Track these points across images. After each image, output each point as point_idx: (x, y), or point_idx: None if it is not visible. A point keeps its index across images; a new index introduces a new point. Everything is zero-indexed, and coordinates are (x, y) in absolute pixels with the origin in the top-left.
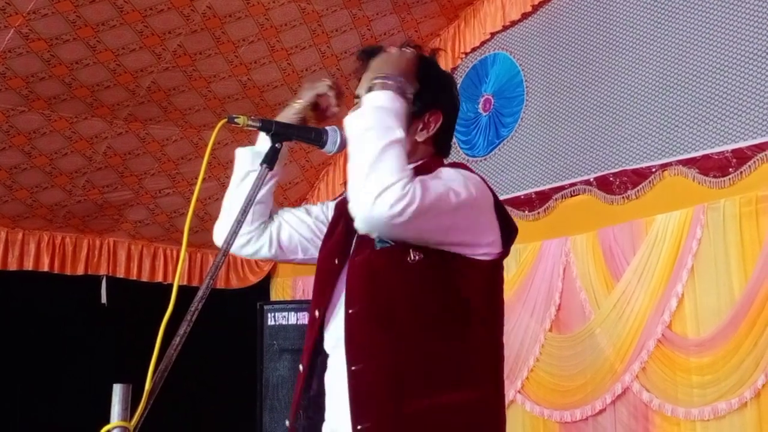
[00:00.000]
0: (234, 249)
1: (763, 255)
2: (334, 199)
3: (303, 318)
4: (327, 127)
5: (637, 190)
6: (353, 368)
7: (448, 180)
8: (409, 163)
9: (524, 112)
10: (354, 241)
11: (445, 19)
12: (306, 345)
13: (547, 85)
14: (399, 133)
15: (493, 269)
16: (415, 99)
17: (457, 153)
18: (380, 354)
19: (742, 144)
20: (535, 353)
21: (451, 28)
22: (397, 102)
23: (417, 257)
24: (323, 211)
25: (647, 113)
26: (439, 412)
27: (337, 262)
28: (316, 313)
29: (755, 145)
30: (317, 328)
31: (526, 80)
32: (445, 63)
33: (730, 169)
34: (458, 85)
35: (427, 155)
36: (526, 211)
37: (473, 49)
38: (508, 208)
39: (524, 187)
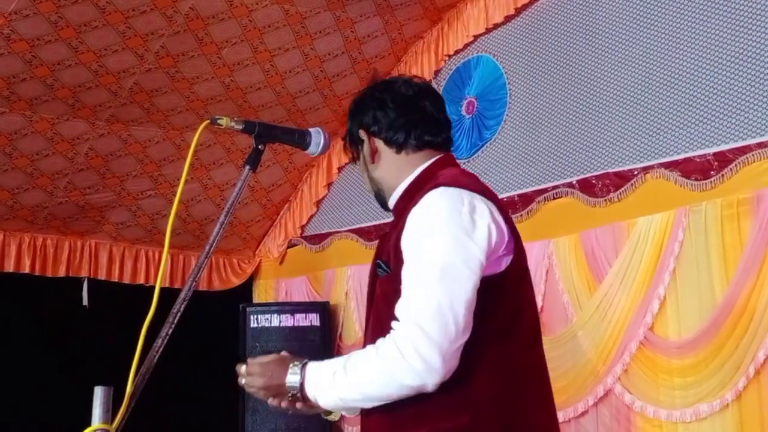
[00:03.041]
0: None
1: (745, 257)
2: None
3: (286, 320)
4: (310, 129)
5: (620, 193)
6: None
7: (417, 265)
8: (402, 180)
9: (507, 115)
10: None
11: (428, 22)
12: None
13: (530, 88)
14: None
15: (485, 290)
16: (353, 147)
17: None
18: None
19: (723, 147)
20: None
21: (434, 31)
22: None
23: None
24: None
25: (630, 116)
26: None
27: (368, 294)
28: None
29: (737, 148)
30: None
31: (509, 83)
32: (428, 65)
33: (712, 172)
34: (442, 87)
35: (400, 170)
36: (510, 214)
37: (456, 52)
38: None
39: (507, 190)
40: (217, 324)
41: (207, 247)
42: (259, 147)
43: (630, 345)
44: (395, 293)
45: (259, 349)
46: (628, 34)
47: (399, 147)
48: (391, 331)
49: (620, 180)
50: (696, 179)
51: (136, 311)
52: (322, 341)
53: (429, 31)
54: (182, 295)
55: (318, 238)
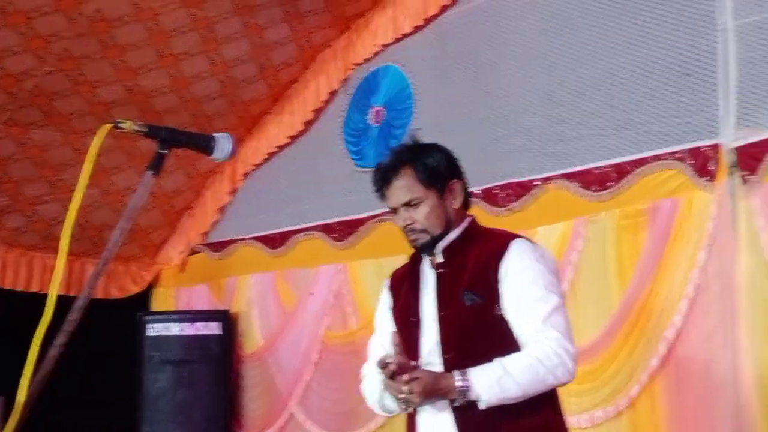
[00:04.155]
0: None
1: (640, 267)
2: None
3: (185, 329)
4: (216, 134)
5: (521, 203)
6: (456, 405)
7: (554, 288)
8: (455, 227)
9: (413, 124)
10: (424, 300)
11: (336, 30)
12: None
13: (437, 98)
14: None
15: None
16: (435, 183)
17: (347, 163)
18: None
19: (621, 159)
20: None
21: (342, 39)
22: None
23: (499, 312)
24: (387, 310)
25: (532, 127)
26: (530, 430)
27: (414, 320)
28: (412, 363)
29: (635, 160)
30: None
31: (415, 92)
32: (336, 74)
33: (610, 183)
34: (350, 96)
35: (463, 216)
36: None
37: (365, 61)
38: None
39: None
40: (115, 333)
41: (105, 254)
42: (163, 152)
43: None
44: (486, 317)
45: (157, 358)
46: (532, 46)
47: (466, 204)
48: (543, 343)
49: (522, 190)
50: (595, 190)
51: (30, 320)
52: (222, 350)
53: (337, 39)
54: (78, 303)
55: (221, 246)
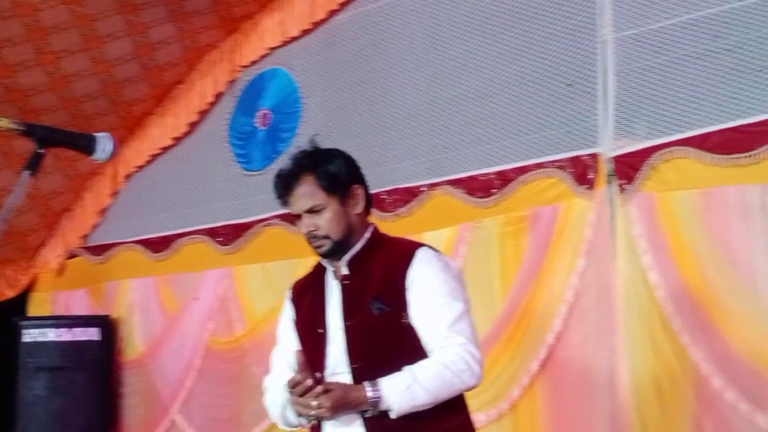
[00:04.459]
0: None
1: (522, 273)
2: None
3: (63, 334)
4: (96, 134)
5: (408, 208)
6: (366, 415)
7: (458, 295)
8: (358, 236)
9: (301, 128)
10: (329, 310)
11: (223, 31)
12: None
13: (324, 103)
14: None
15: None
16: (336, 190)
17: (233, 167)
18: None
19: (504, 166)
20: None
21: (229, 41)
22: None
23: (406, 320)
24: (289, 322)
25: (419, 133)
26: None
27: (320, 331)
28: (318, 375)
29: (517, 168)
30: None
31: (303, 96)
32: (222, 75)
33: (494, 190)
34: (237, 98)
35: (362, 226)
36: None
37: (252, 63)
38: (284, 224)
39: None
40: None
41: None
42: (40, 151)
43: None
44: (393, 326)
45: (33, 365)
46: (419, 53)
47: (368, 209)
48: (449, 349)
49: (409, 195)
50: (479, 196)
51: None
52: (102, 356)
53: (224, 40)
54: None
55: (101, 249)
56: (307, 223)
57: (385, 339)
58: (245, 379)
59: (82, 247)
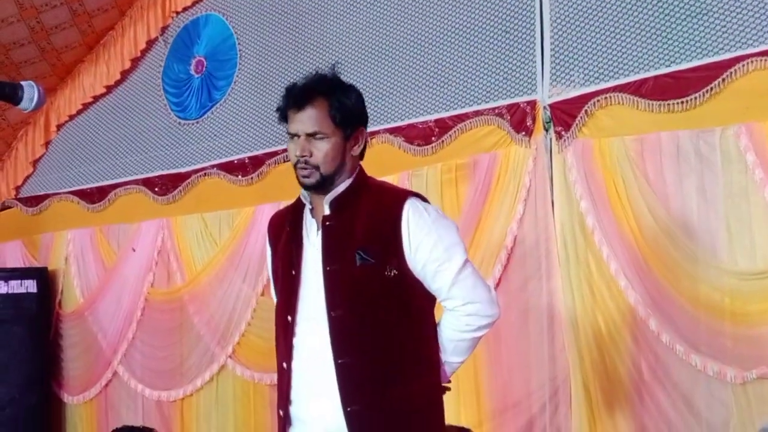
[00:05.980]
0: None
1: (462, 220)
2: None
3: (3, 287)
4: (23, 82)
5: None
6: (340, 361)
7: (454, 246)
8: (346, 176)
9: (237, 76)
10: (307, 252)
11: None
12: (285, 345)
13: (261, 50)
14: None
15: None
16: (345, 124)
17: (168, 115)
18: (365, 349)
19: (443, 114)
20: (247, 318)
21: None
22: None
23: (393, 273)
24: (269, 259)
25: (356, 81)
26: (412, 396)
27: (294, 273)
28: (289, 318)
29: (456, 116)
30: (293, 329)
31: (239, 43)
32: (155, 21)
33: (433, 138)
34: (169, 45)
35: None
36: (240, 176)
37: (185, 9)
38: (222, 173)
39: (237, 152)
40: None
41: None
42: None
43: None
44: (377, 278)
45: None
46: (356, 1)
47: (362, 155)
48: (458, 312)
49: None
50: (418, 144)
51: None
52: (39, 309)
53: None
54: None
55: (35, 200)
56: (302, 146)
57: (366, 290)
58: (186, 329)
59: (15, 198)
